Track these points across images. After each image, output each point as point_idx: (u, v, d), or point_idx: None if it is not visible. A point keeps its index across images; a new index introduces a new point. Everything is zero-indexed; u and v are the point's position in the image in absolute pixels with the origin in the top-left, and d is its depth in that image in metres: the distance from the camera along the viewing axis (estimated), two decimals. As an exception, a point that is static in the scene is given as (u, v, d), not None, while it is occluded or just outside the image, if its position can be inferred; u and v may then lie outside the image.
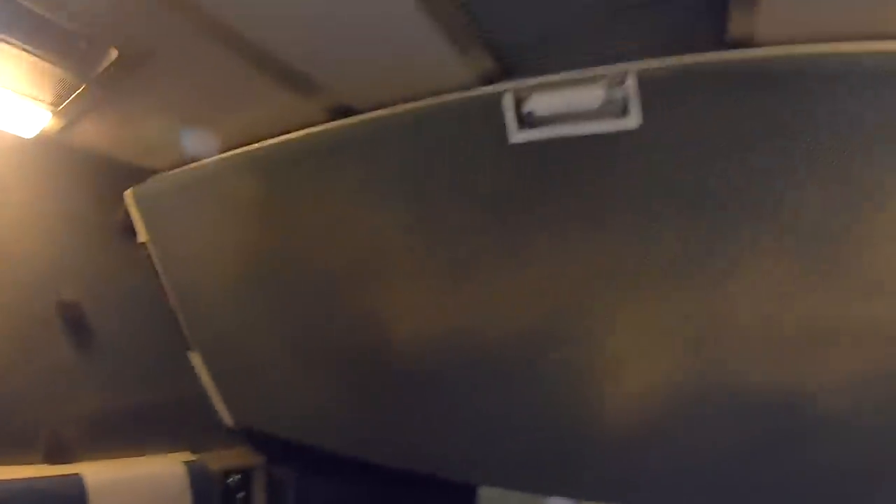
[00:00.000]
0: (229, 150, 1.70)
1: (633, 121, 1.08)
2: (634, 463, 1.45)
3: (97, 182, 1.96)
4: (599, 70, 1.11)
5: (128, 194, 1.96)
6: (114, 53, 1.32)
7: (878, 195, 1.08)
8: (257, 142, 1.62)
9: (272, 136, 1.58)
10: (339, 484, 2.26)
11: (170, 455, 2.09)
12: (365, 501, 2.25)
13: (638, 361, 1.32)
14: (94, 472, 1.77)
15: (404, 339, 1.56)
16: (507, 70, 1.23)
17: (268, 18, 1.17)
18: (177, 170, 1.87)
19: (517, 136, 1.16)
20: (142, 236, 2.02)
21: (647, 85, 1.08)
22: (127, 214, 2.00)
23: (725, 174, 1.11)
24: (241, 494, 2.21)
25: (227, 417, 2.18)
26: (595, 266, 1.26)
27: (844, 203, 1.09)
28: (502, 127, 1.18)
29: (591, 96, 1.08)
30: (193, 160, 1.82)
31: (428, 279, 1.45)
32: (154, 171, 1.97)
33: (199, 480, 2.05)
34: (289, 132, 1.54)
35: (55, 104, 1.57)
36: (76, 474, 1.72)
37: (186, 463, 2.06)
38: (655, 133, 1.10)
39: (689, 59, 1.08)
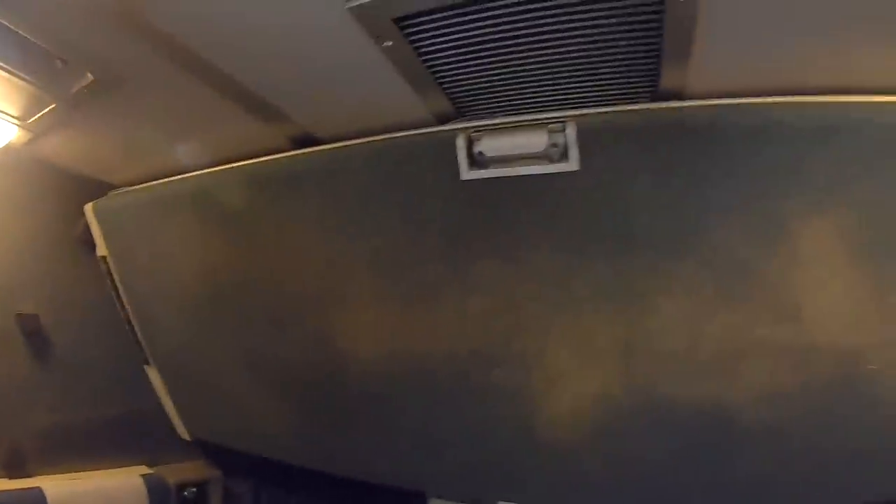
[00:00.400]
0: (192, 171, 1.79)
1: (572, 164, 1.24)
2: (571, 471, 1.61)
3: (58, 195, 2.02)
4: (543, 116, 1.27)
5: (88, 208, 2.02)
6: (89, 77, 1.39)
7: (784, 235, 1.26)
8: (221, 165, 1.72)
9: (236, 161, 1.68)
10: (295, 496, 2.34)
11: (127, 468, 2.17)
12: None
13: (573, 378, 1.47)
14: (54, 486, 1.83)
15: (358, 358, 1.67)
16: (461, 111, 1.37)
17: (240, 52, 1.27)
18: (138, 186, 1.94)
19: (468, 173, 1.31)
20: (101, 250, 2.08)
21: (585, 132, 1.24)
22: (87, 228, 2.06)
23: (652, 213, 1.27)
24: (196, 508, 2.28)
25: (183, 431, 2.25)
26: (535, 292, 1.41)
27: (754, 241, 1.27)
28: (455, 164, 1.32)
29: (535, 141, 1.24)
30: (156, 178, 1.89)
31: (381, 302, 1.58)
32: (115, 187, 2.03)
33: (157, 493, 2.13)
34: (252, 158, 1.64)
35: (22, 119, 1.62)
36: (36, 487, 1.78)
37: (144, 476, 2.13)
38: (592, 176, 1.26)
39: (623, 109, 1.25)
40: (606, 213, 1.30)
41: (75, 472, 2.03)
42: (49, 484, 1.82)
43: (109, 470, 2.12)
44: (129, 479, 2.11)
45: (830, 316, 1.33)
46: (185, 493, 2.24)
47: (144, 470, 2.17)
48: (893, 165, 1.22)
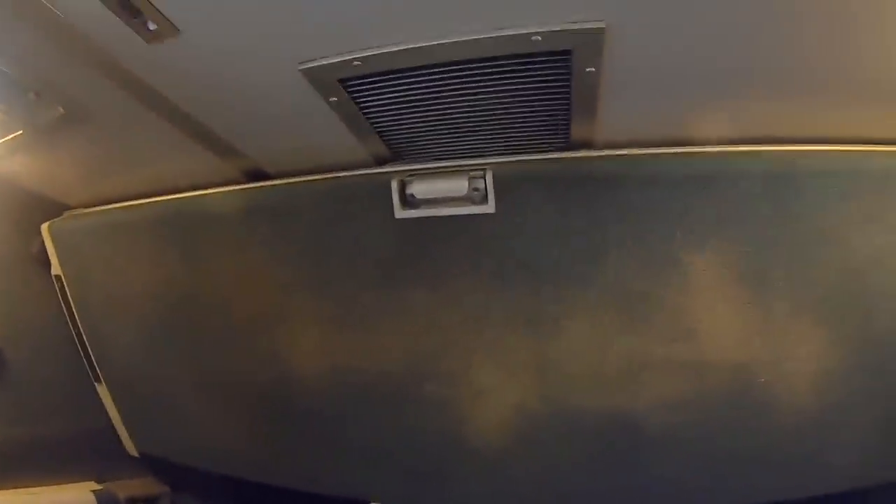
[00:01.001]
0: (149, 198, 1.94)
1: (490, 207, 1.48)
2: (498, 477, 1.85)
3: (16, 213, 2.10)
4: (467, 163, 1.51)
5: (44, 227, 2.13)
6: (59, 110, 1.50)
7: (675, 267, 1.53)
8: (176, 193, 1.88)
9: (190, 190, 1.85)
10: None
11: (78, 484, 2.26)
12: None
13: (495, 392, 1.71)
14: (4, 501, 1.92)
15: (302, 375, 1.87)
16: (397, 154, 1.59)
17: (201, 97, 1.44)
18: (95, 209, 2.07)
19: (401, 213, 1.54)
20: (56, 269, 2.19)
21: (501, 178, 1.48)
22: (43, 247, 2.17)
23: (559, 249, 1.53)
24: (146, 524, 2.40)
25: (132, 447, 2.38)
26: (459, 316, 1.66)
27: (649, 272, 1.53)
28: (390, 204, 1.54)
29: (458, 186, 1.49)
30: (112, 202, 2.03)
31: (323, 324, 1.79)
32: (71, 207, 2.16)
33: (108, 509, 2.24)
34: (207, 188, 1.82)
35: (-13, 141, 1.68)
36: (-14, 503, 1.86)
37: (94, 492, 2.23)
38: (507, 216, 1.51)
39: (535, 157, 1.50)
40: (520, 248, 1.55)
41: (26, 487, 2.13)
42: (1, 500, 1.92)
43: (60, 486, 2.23)
44: (79, 495, 2.21)
45: (720, 336, 1.59)
46: (136, 508, 2.36)
47: (94, 486, 2.28)
48: (767, 208, 1.49)
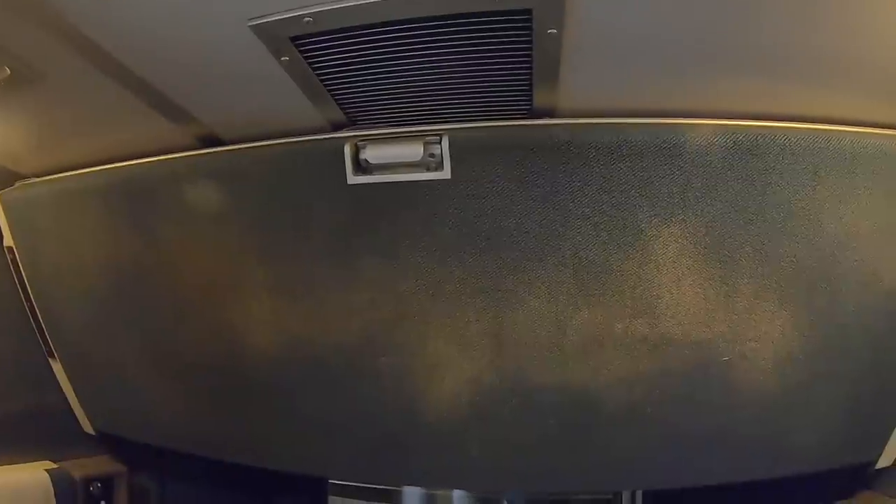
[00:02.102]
0: (102, 165, 1.89)
1: (445, 173, 1.45)
2: (453, 453, 1.83)
3: None
4: (424, 129, 1.47)
5: (-5, 197, 2.08)
6: (6, 71, 1.44)
7: (638, 239, 1.50)
8: (129, 160, 1.83)
9: (144, 157, 1.80)
10: (201, 488, 2.45)
11: (32, 464, 2.22)
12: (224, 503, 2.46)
13: (450, 365, 1.69)
14: (-44, 483, 1.88)
15: (254, 347, 1.84)
16: (351, 119, 1.55)
17: (151, 57, 1.39)
18: (47, 177, 2.03)
19: (353, 178, 1.51)
20: (7, 240, 2.16)
21: (458, 144, 1.45)
22: None
23: (517, 218, 1.50)
24: (103, 503, 2.35)
25: (87, 425, 2.35)
26: (413, 287, 1.62)
27: (610, 244, 1.51)
28: (343, 170, 1.51)
29: (413, 151, 1.45)
30: (65, 170, 1.98)
31: (275, 294, 1.75)
32: (22, 177, 2.10)
33: (63, 488, 2.20)
34: (160, 154, 1.77)
35: (-69, 106, 1.64)
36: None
37: (49, 471, 2.20)
38: (463, 183, 1.48)
39: (494, 125, 1.46)
40: (476, 216, 1.52)
41: (-22, 468, 2.10)
42: (-48, 479, 1.89)
43: (13, 465, 2.18)
44: (33, 474, 2.18)
45: (683, 312, 1.57)
46: (91, 488, 2.31)
47: (49, 465, 2.24)
48: (733, 183, 1.48)
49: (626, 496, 2.29)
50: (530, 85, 1.38)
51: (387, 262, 1.60)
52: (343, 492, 3.52)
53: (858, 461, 1.99)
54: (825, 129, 1.46)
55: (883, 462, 1.95)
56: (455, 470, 1.87)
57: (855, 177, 1.49)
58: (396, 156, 1.46)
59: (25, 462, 2.21)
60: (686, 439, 1.76)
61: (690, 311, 1.56)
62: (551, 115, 1.48)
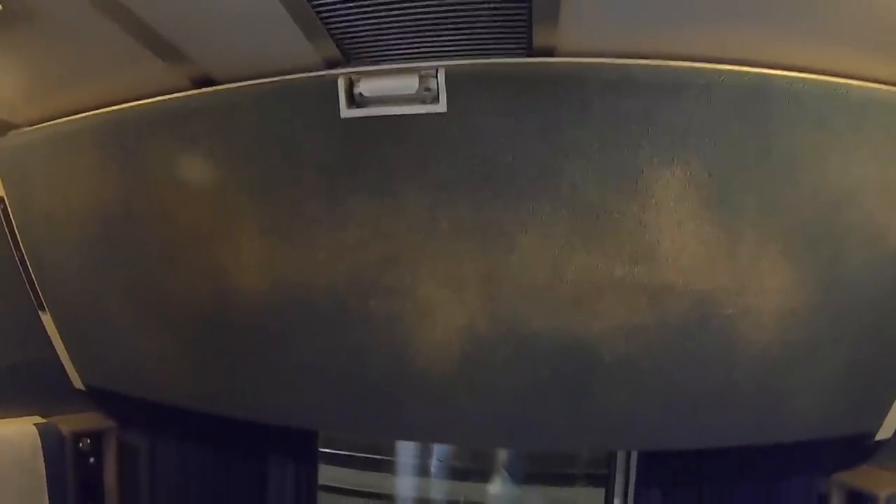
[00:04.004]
0: (94, 109, 1.85)
1: (441, 106, 1.42)
2: (443, 403, 1.79)
3: None
4: (418, 64, 1.43)
5: (-13, 148, 2.05)
6: None
7: (641, 180, 1.46)
8: (122, 103, 1.79)
9: (137, 99, 1.76)
10: (190, 444, 2.42)
11: (21, 418, 2.20)
12: (214, 462, 2.43)
13: (442, 310, 1.64)
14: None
15: (243, 292, 1.80)
16: (348, 57, 1.50)
17: None
18: (37, 126, 1.99)
19: (347, 112, 1.47)
20: (-1, 191, 2.12)
21: (455, 78, 1.41)
22: None
23: (513, 155, 1.46)
24: (92, 459, 2.33)
25: (77, 380, 2.33)
26: (405, 226, 1.58)
27: (610, 185, 1.47)
28: (336, 105, 1.47)
29: (408, 84, 1.41)
30: (57, 117, 1.94)
31: (264, 235, 1.71)
32: (14, 127, 2.06)
33: (51, 443, 2.19)
34: (153, 97, 1.73)
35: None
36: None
37: (38, 425, 2.18)
38: (460, 119, 1.44)
39: (491, 62, 1.42)
40: (471, 153, 1.48)
41: (-33, 422, 2.08)
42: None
43: (2, 420, 2.16)
44: (22, 429, 2.16)
45: (684, 259, 1.53)
46: (80, 443, 2.29)
47: (38, 420, 2.22)
48: (737, 126, 1.44)
49: (620, 458, 2.28)
50: (529, 22, 1.33)
51: (378, 201, 1.56)
52: (333, 460, 3.55)
53: (858, 431, 1.97)
54: (832, 81, 1.42)
55: (882, 434, 1.93)
56: (445, 423, 1.84)
57: (861, 130, 1.46)
58: (391, 88, 1.43)
59: (14, 416, 2.19)
60: (684, 397, 1.72)
61: (692, 258, 1.52)
62: (551, 54, 1.43)
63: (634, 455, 2.27)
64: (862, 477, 2.12)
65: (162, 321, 1.98)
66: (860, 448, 2.17)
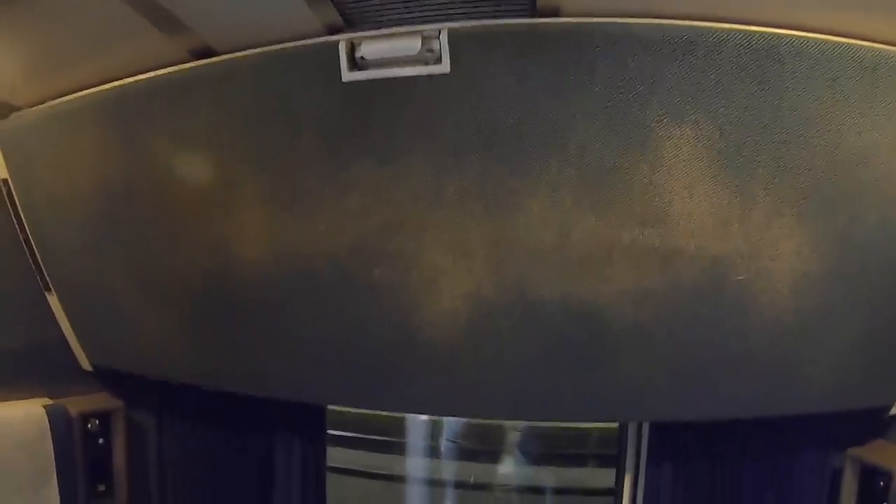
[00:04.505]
0: (95, 86, 1.83)
1: (444, 67, 1.38)
2: (450, 374, 1.75)
3: None
4: (421, 26, 1.40)
5: (-9, 131, 2.03)
6: None
7: (650, 140, 1.42)
8: (123, 78, 1.77)
9: (137, 74, 1.74)
10: (198, 423, 2.42)
11: (28, 400, 2.19)
12: (222, 441, 2.43)
13: (447, 277, 1.60)
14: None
15: (247, 265, 1.77)
16: (349, 22, 1.47)
17: None
18: (39, 106, 1.98)
19: (348, 75, 1.44)
20: (2, 173, 2.11)
21: (458, 39, 1.38)
22: None
23: (518, 116, 1.42)
24: (101, 440, 2.33)
25: (84, 360, 2.32)
26: (409, 191, 1.55)
27: (618, 145, 1.43)
28: (337, 69, 1.44)
29: (410, 45, 1.38)
30: (58, 96, 1.93)
31: (266, 205, 1.68)
32: (17, 108, 2.05)
33: (59, 425, 2.17)
34: (151, 71, 1.71)
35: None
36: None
37: (46, 407, 2.16)
38: (464, 80, 1.41)
39: (493, 22, 1.38)
40: (475, 114, 1.44)
41: (-27, 404, 2.07)
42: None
43: (9, 402, 2.16)
44: (30, 411, 2.15)
45: (696, 222, 1.50)
46: (89, 424, 2.28)
47: (46, 401, 2.21)
48: (749, 85, 1.40)
49: (630, 434, 2.25)
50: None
51: (381, 166, 1.53)
52: (343, 442, 3.54)
53: (872, 405, 1.93)
54: (844, 42, 1.38)
55: (897, 409, 1.89)
56: (452, 395, 1.81)
57: (876, 90, 1.41)
58: (393, 50, 1.40)
59: (21, 399, 2.18)
60: (695, 366, 1.68)
61: (703, 221, 1.48)
62: (555, 14, 1.39)
63: (645, 431, 2.24)
64: (876, 452, 2.10)
65: (166, 298, 1.96)
66: (874, 423, 2.14)
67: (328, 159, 1.56)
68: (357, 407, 1.97)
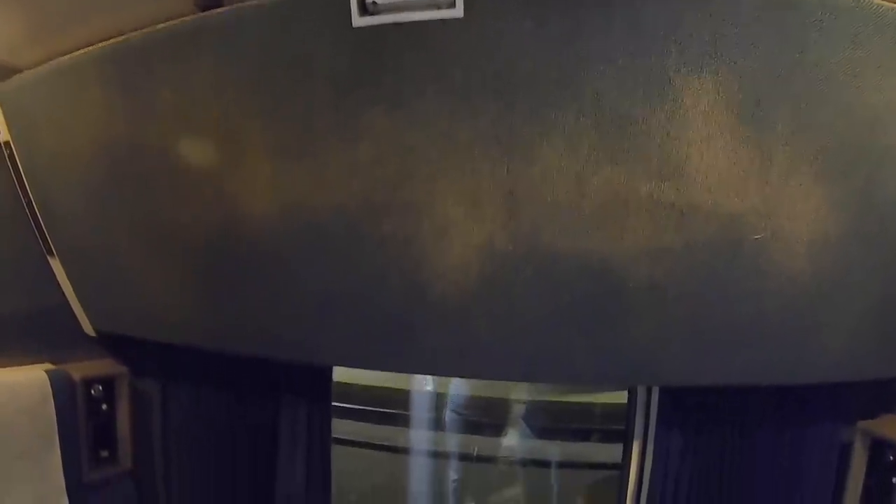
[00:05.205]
0: (98, 42, 1.79)
1: (458, 11, 1.34)
2: (461, 331, 1.71)
3: None
4: None
5: (-7, 93, 1.99)
6: None
7: (667, 89, 1.37)
8: (127, 32, 1.72)
9: (141, 27, 1.69)
10: (202, 388, 2.39)
11: (30, 366, 2.16)
12: (227, 407, 2.40)
13: (460, 229, 1.55)
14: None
15: (253, 219, 1.73)
16: (358, -35, 1.42)
17: None
18: (41, 66, 1.93)
19: (359, 20, 1.38)
20: (4, 135, 2.06)
21: None
22: None
23: (534, 61, 1.37)
24: (104, 406, 2.30)
25: (88, 326, 2.28)
26: (421, 138, 1.50)
27: (637, 94, 1.38)
28: (347, 14, 1.39)
29: None
30: (60, 55, 1.89)
31: (273, 156, 1.63)
32: (18, 69, 2.01)
33: (62, 390, 2.14)
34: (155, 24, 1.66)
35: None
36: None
37: (48, 372, 2.13)
38: (478, 24, 1.36)
39: None
40: (489, 60, 1.39)
41: (-25, 369, 2.04)
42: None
43: (11, 367, 2.12)
44: (31, 375, 2.11)
45: (714, 177, 1.45)
46: (92, 390, 2.25)
47: (49, 367, 2.17)
48: (770, 36, 1.35)
49: (640, 399, 2.22)
50: None
51: (393, 114, 1.48)
52: (348, 414, 3.52)
53: (887, 375, 1.90)
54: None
55: (911, 382, 1.86)
56: (462, 354, 1.76)
57: (896, 51, 1.37)
58: (406, -7, 1.35)
59: (24, 364, 2.14)
60: (710, 328, 1.64)
61: (721, 176, 1.43)
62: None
63: (654, 402, 2.21)
64: (887, 425, 2.08)
65: (171, 257, 1.92)
66: (886, 397, 2.12)
67: (338, 108, 1.51)
68: (365, 367, 1.92)
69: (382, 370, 1.91)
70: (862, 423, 2.10)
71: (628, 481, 2.28)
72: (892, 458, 2.00)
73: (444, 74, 1.41)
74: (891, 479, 1.97)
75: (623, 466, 2.33)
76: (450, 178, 1.49)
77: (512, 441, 3.94)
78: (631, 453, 2.25)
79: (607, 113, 1.38)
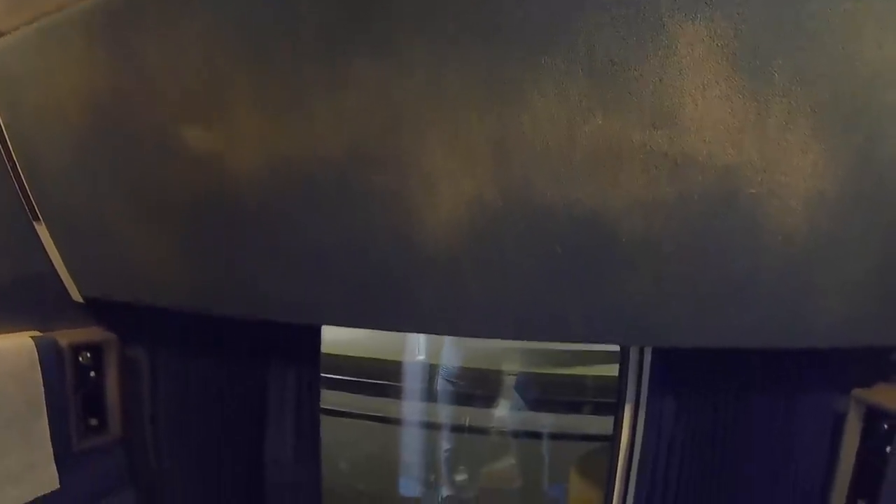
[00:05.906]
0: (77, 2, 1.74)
1: None
2: (451, 288, 1.67)
3: None
4: None
5: (-27, 55, 1.93)
6: None
7: (660, 35, 1.34)
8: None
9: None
10: (191, 354, 2.37)
11: (17, 333, 2.11)
12: (217, 376, 2.38)
13: (450, 181, 1.52)
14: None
15: (239, 174, 1.68)
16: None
17: None
18: (23, 28, 1.88)
19: None
20: (-13, 100, 2.02)
21: None
22: None
23: (525, 6, 1.32)
24: (92, 373, 2.27)
25: (75, 292, 2.24)
26: (409, 87, 1.45)
27: (629, 40, 1.34)
28: None
29: None
30: (43, 14, 1.84)
31: (258, 109, 1.59)
32: (3, 34, 1.97)
33: (49, 357, 2.10)
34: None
35: None
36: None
37: (35, 339, 2.09)
38: None
39: None
40: (479, 4, 1.34)
41: (-41, 335, 1.99)
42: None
43: (-3, 335, 2.09)
44: (18, 344, 2.06)
45: (708, 126, 1.41)
46: (80, 357, 2.22)
47: (35, 333, 2.13)
48: None
49: (633, 354, 2.20)
50: None
51: (381, 62, 1.43)
52: (339, 386, 3.49)
53: (881, 343, 1.88)
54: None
55: (905, 350, 1.85)
56: (452, 311, 1.73)
57: (897, 6, 1.32)
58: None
59: (10, 330, 2.10)
60: (704, 286, 1.62)
61: (716, 127, 1.39)
62: None
63: (646, 367, 2.19)
64: (882, 394, 2.07)
65: (158, 217, 1.87)
66: (881, 365, 2.10)
67: (325, 56, 1.46)
68: (355, 325, 1.88)
69: (372, 328, 1.87)
70: (856, 392, 2.09)
71: (619, 446, 2.27)
72: (886, 426, 1.99)
73: (433, 20, 1.36)
74: (884, 448, 1.96)
75: (615, 431, 2.32)
76: (439, 128, 1.44)
77: (504, 412, 3.94)
78: (623, 418, 2.23)
79: (599, 58, 1.34)
